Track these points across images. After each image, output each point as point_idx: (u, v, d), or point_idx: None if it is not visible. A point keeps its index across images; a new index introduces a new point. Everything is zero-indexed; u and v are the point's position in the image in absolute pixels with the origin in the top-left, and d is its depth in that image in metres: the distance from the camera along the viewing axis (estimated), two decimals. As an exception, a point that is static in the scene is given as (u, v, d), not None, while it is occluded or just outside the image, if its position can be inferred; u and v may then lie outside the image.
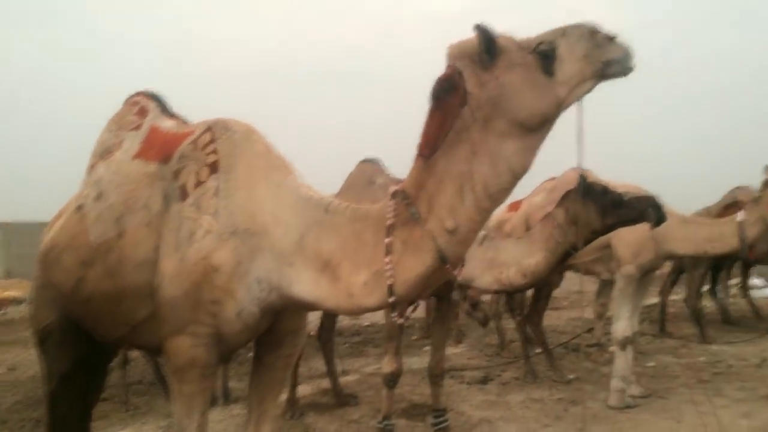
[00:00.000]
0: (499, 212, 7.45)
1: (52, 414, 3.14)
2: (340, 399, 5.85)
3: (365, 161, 5.35)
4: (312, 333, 5.96)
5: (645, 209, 4.08)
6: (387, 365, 4.45)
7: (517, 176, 2.14)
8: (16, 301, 14.43)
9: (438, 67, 2.20)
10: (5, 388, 6.82)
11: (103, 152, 3.04)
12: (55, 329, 3.06)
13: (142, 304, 2.58)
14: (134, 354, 6.68)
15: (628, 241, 5.27)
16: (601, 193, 4.11)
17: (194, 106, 3.14)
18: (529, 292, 7.09)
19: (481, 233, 4.15)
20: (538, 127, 2.10)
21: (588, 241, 4.18)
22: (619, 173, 4.48)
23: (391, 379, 4.46)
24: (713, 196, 8.60)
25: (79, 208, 2.87)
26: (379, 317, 11.25)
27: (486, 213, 2.17)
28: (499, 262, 4.07)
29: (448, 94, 2.11)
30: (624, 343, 5.39)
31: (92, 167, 3.07)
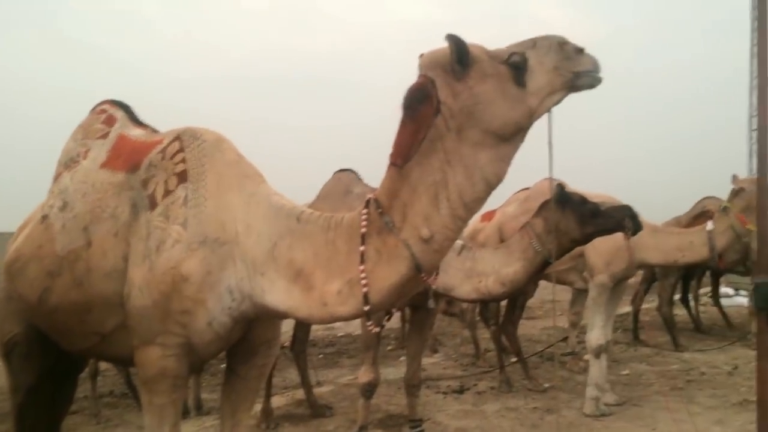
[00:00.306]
0: (473, 222, 7.47)
1: (20, 428, 3.06)
2: (315, 410, 5.80)
3: (341, 171, 5.33)
4: (285, 344, 5.91)
5: (622, 218, 4.16)
6: (364, 375, 4.43)
7: (491, 185, 2.15)
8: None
9: (411, 76, 2.20)
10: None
11: (69, 161, 2.99)
12: (21, 341, 2.99)
13: (110, 314, 2.53)
14: (105, 365, 6.56)
15: (601, 250, 5.32)
16: (579, 202, 4.16)
17: (164, 113, 3.11)
18: (504, 302, 7.13)
19: (459, 243, 4.16)
20: (512, 136, 2.12)
21: (566, 251, 4.22)
22: (588, 182, 4.54)
23: (368, 389, 4.43)
24: (681, 204, 8.77)
25: (45, 218, 2.82)
26: (353, 328, 11.22)
27: (461, 222, 2.17)
28: (477, 272, 4.07)
29: (420, 103, 2.11)
30: (598, 352, 5.43)
31: (58, 176, 3.01)
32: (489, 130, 2.08)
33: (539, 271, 4.14)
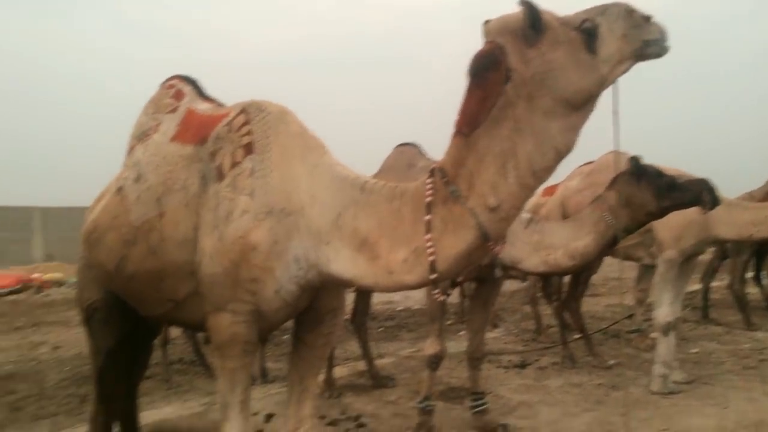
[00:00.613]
0: (534, 197, 7.37)
1: (100, 389, 3.23)
2: (377, 380, 5.88)
3: (403, 145, 5.32)
4: (346, 317, 6.00)
5: (700, 192, 4.01)
6: (430, 347, 4.41)
7: (561, 155, 2.13)
8: (57, 283, 14.88)
9: (463, 48, 2.18)
10: (51, 366, 7.01)
11: (141, 135, 3.10)
12: (100, 307, 3.14)
13: (183, 282, 2.62)
14: (174, 334, 6.82)
15: (671, 224, 5.15)
16: (656, 174, 4.04)
17: (220, 94, 3.18)
18: (567, 278, 7.02)
19: (527, 216, 4.11)
20: (583, 105, 2.09)
21: (640, 225, 4.10)
22: (652, 155, 4.38)
23: (434, 362, 4.43)
24: (751, 179, 8.37)
25: (120, 189, 2.93)
26: (412, 302, 11.30)
27: (529, 191, 2.15)
28: (546, 245, 4.00)
29: (488, 70, 2.08)
30: (666, 329, 5.29)
31: (131, 149, 3.13)
32: (561, 98, 2.04)
33: (611, 245, 4.04)
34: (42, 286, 14.27)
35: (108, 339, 3.18)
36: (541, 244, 3.99)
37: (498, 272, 3.62)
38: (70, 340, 8.26)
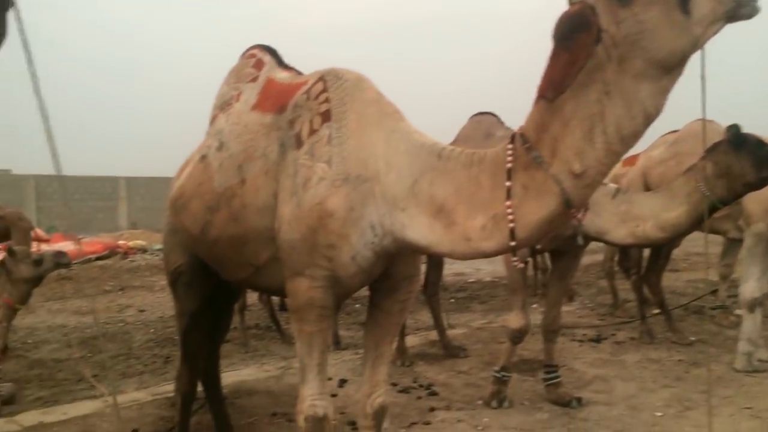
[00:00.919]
0: (614, 168, 7.15)
1: (185, 349, 3.38)
2: (449, 350, 5.91)
3: (480, 114, 5.24)
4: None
5: None
6: (514, 320, 4.36)
7: (650, 119, 2.04)
8: (141, 250, 15.61)
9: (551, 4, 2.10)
10: (137, 327, 7.39)
11: (223, 104, 3.18)
12: (185, 271, 3.27)
13: (264, 247, 2.69)
14: (251, 300, 7.05)
15: (761, 197, 4.87)
16: (757, 144, 3.83)
17: (298, 62, 3.22)
18: (646, 251, 6.79)
19: (613, 186, 4.00)
20: (675, 67, 2.00)
21: (737, 196, 3.91)
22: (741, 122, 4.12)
23: (518, 336, 4.39)
24: None
25: (203, 157, 3.02)
26: (483, 274, 11.25)
27: (616, 157, 2.08)
28: (634, 216, 3.87)
29: (577, 32, 2.01)
30: (752, 305, 5.06)
31: (214, 118, 3.22)
32: (653, 60, 1.95)
33: (704, 218, 3.86)
34: (127, 252, 14.98)
35: (192, 301, 3.31)
36: (629, 215, 3.85)
37: (580, 241, 3.52)
38: (154, 304, 8.68)
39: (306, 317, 2.58)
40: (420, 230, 2.36)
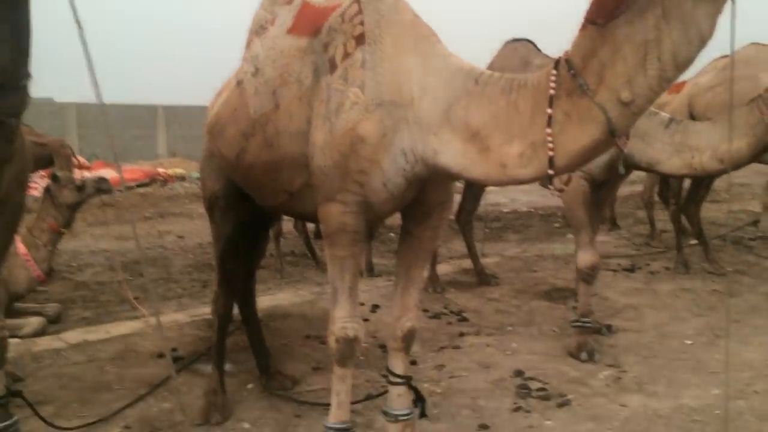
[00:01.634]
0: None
1: (221, 272, 3.47)
2: (481, 278, 5.96)
3: (515, 41, 5.08)
4: (451, 216, 6.04)
5: None
6: (583, 258, 4.12)
7: (705, 43, 1.96)
8: (180, 178, 15.87)
9: None
10: (176, 253, 7.61)
11: (258, 29, 3.13)
12: (221, 196, 3.32)
13: (297, 173, 2.71)
14: (286, 228, 7.17)
15: None
16: None
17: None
18: (687, 182, 6.65)
19: (666, 115, 3.87)
20: None
21: None
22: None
23: (590, 274, 4.12)
24: None
25: (239, 83, 3.01)
26: (519, 204, 11.19)
27: (668, 84, 2.01)
28: (690, 146, 3.74)
29: None
30: (794, 236, 4.96)
31: (249, 43, 3.18)
32: None
33: (765, 150, 3.73)
34: (167, 180, 15.26)
35: (228, 226, 3.38)
36: (684, 146, 3.74)
37: (621, 170, 3.44)
38: (193, 231, 8.88)
39: (338, 242, 2.61)
40: (453, 156, 2.34)
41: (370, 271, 6.31)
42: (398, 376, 2.86)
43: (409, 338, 2.85)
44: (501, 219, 10.02)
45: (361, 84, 2.45)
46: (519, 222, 9.70)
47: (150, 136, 22.06)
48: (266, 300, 5.16)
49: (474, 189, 6.04)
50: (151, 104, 22.60)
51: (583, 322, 4.14)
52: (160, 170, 15.85)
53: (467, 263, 6.26)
